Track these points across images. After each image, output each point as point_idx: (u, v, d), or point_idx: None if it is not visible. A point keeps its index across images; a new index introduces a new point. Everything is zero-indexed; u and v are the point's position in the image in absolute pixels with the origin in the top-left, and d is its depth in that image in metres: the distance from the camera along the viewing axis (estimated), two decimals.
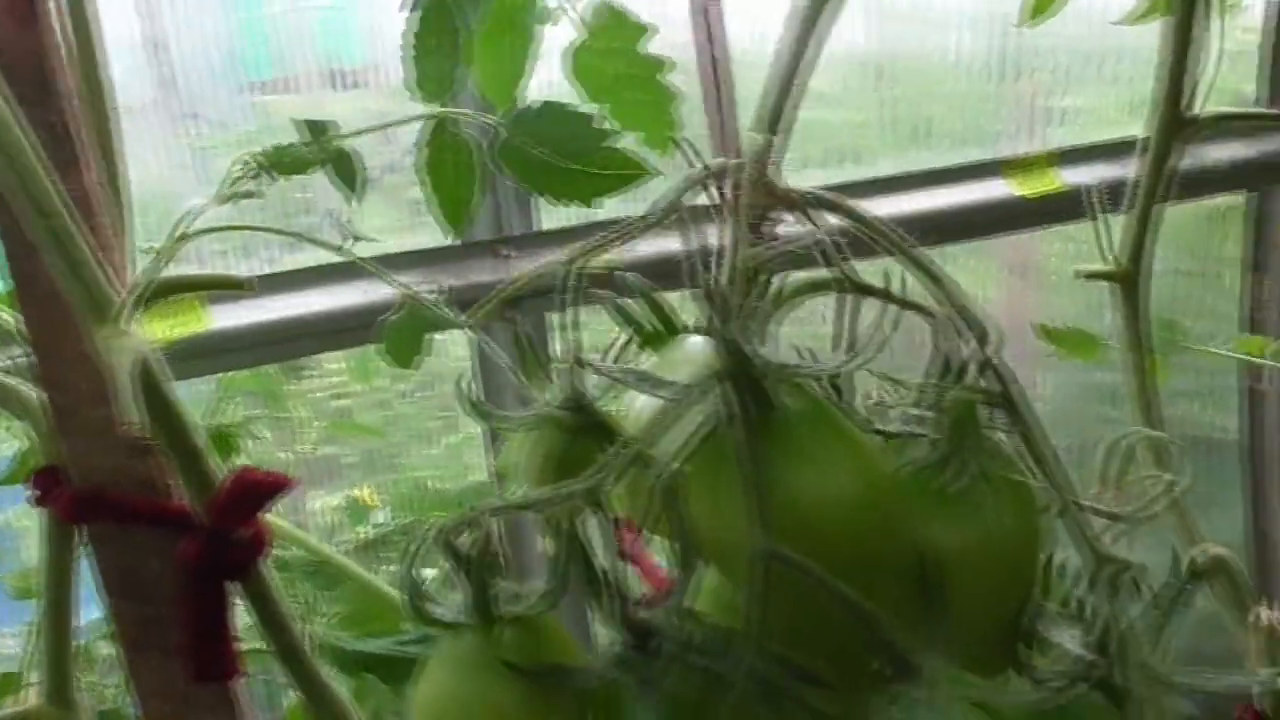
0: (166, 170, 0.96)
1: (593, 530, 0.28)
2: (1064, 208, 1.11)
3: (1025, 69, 1.22)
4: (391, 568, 0.87)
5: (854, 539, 0.25)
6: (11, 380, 0.47)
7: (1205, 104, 0.60)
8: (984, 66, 1.22)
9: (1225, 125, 0.74)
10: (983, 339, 0.27)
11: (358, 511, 0.92)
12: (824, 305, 0.32)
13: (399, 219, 1.01)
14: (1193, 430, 1.44)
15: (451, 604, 0.29)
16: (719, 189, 0.30)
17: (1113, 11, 0.67)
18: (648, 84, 0.50)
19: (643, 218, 0.29)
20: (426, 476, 1.05)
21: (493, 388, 0.93)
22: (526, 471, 0.32)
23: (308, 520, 1.02)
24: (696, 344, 0.31)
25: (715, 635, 0.26)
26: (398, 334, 0.54)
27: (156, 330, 0.74)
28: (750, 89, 0.35)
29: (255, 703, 0.50)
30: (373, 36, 1.00)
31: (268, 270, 0.90)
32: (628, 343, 0.35)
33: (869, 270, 0.31)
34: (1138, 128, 0.61)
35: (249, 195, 0.45)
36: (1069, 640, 0.28)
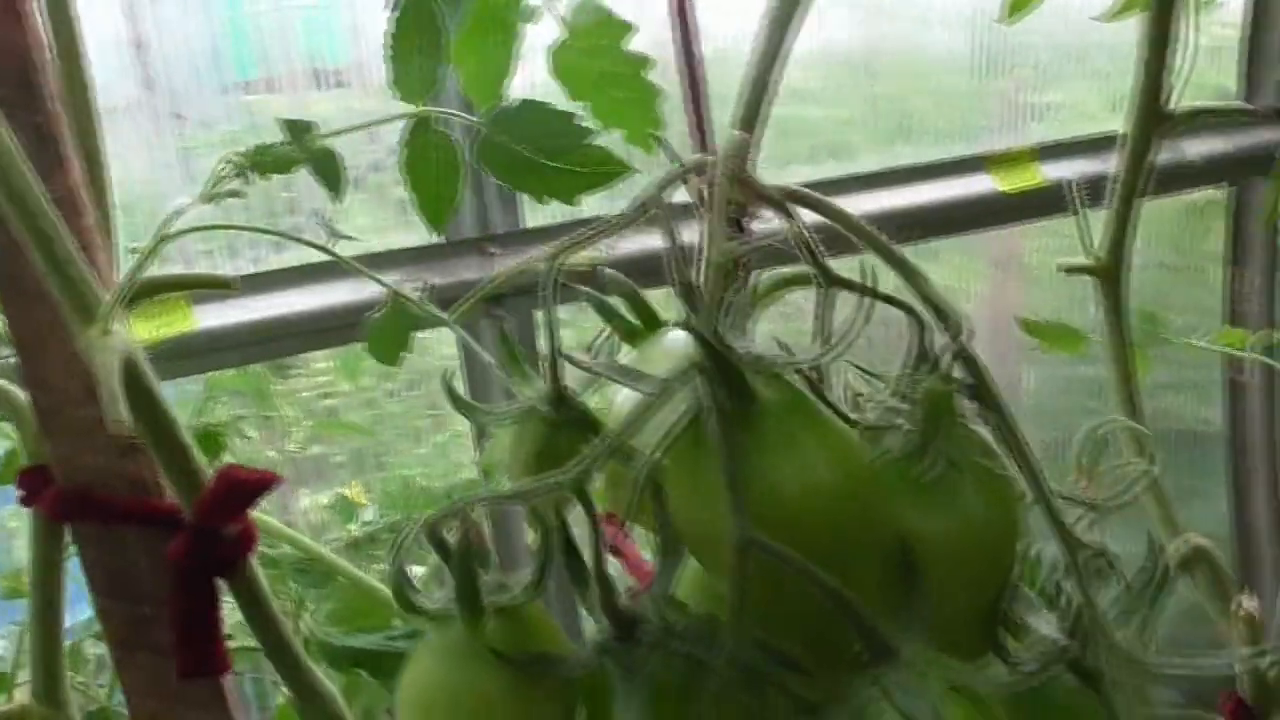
0: (151, 170, 0.96)
1: (577, 522, 0.28)
2: (1046, 203, 1.12)
3: (1007, 65, 1.23)
4: (380, 566, 0.87)
5: (832, 526, 0.25)
6: None
7: (1185, 99, 0.60)
8: (967, 63, 1.22)
9: (1204, 120, 0.74)
10: (957, 331, 0.27)
11: (346, 509, 0.92)
12: (810, 301, 0.33)
13: (386, 218, 1.02)
14: (1177, 423, 1.45)
15: (439, 598, 0.30)
16: (697, 185, 0.31)
17: (1092, 8, 0.68)
18: (631, 82, 0.50)
19: (621, 214, 0.29)
20: (414, 474, 1.06)
21: (479, 385, 0.93)
22: (511, 465, 0.33)
23: (296, 519, 1.02)
24: (676, 338, 0.32)
25: (698, 623, 0.27)
26: (381, 331, 0.54)
27: (143, 330, 0.74)
28: (731, 87, 0.36)
29: (245, 702, 0.51)
30: (356, 36, 1.00)
31: (253, 270, 0.90)
32: (609, 338, 0.35)
33: (850, 267, 0.31)
34: (1118, 123, 0.61)
35: (233, 194, 0.45)
36: (1045, 625, 0.29)
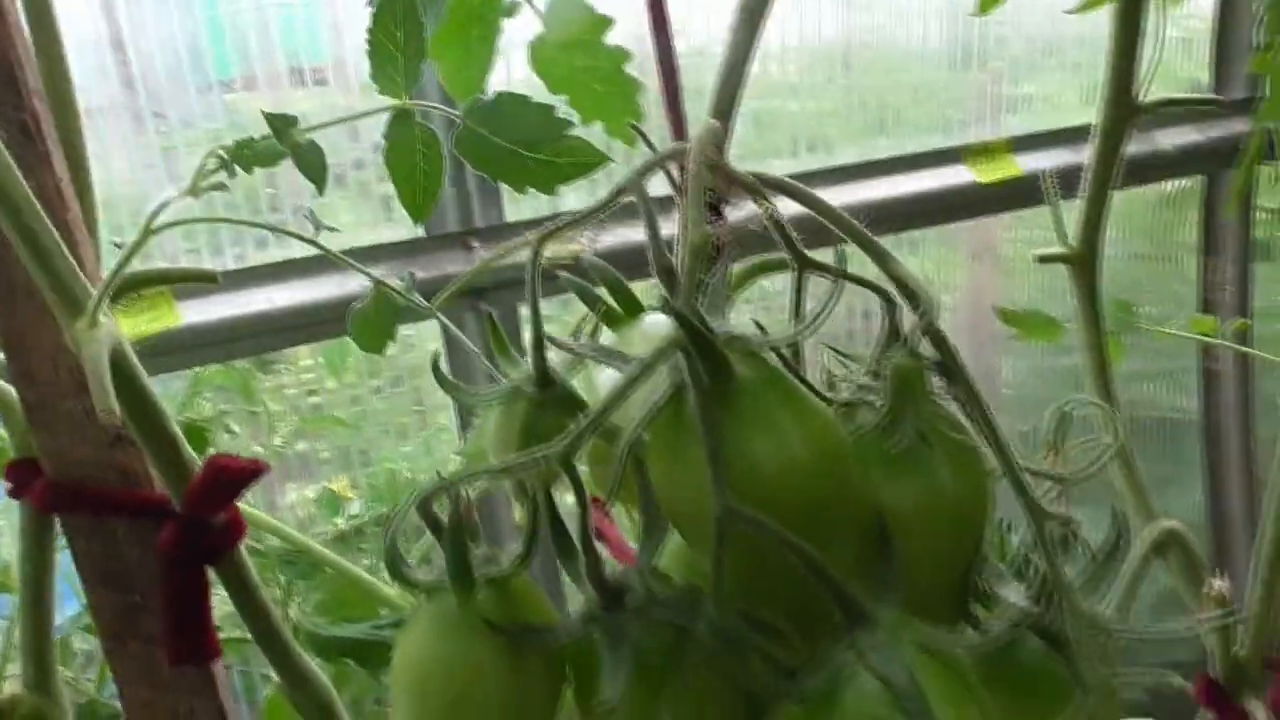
0: (132, 170, 0.96)
1: (562, 497, 0.29)
2: (1023, 194, 1.14)
3: (983, 58, 1.24)
4: (366, 561, 0.88)
5: (808, 497, 0.26)
6: None
7: (1158, 91, 0.61)
8: (944, 56, 1.24)
9: (1174, 111, 0.76)
10: (926, 310, 0.28)
11: (332, 504, 0.93)
12: (787, 292, 0.34)
13: (370, 214, 1.02)
14: (1152, 411, 1.47)
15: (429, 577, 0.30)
16: (676, 174, 0.32)
17: (1065, 1, 0.69)
18: (611, 76, 0.51)
19: (600, 203, 0.30)
20: (400, 469, 1.06)
21: (462, 378, 0.94)
22: (498, 446, 0.33)
23: (283, 514, 1.03)
24: (655, 322, 0.33)
25: (681, 593, 0.28)
26: (366, 321, 0.55)
27: (128, 326, 0.74)
28: (706, 84, 0.37)
29: (233, 695, 0.51)
30: (337, 33, 1.00)
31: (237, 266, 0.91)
32: (593, 327, 0.36)
33: (827, 256, 0.32)
34: (1093, 114, 0.62)
35: (219, 188, 0.46)
36: (1013, 594, 0.30)
